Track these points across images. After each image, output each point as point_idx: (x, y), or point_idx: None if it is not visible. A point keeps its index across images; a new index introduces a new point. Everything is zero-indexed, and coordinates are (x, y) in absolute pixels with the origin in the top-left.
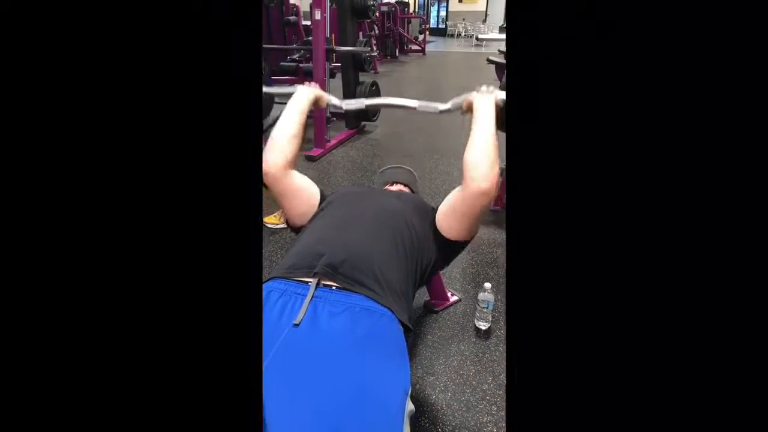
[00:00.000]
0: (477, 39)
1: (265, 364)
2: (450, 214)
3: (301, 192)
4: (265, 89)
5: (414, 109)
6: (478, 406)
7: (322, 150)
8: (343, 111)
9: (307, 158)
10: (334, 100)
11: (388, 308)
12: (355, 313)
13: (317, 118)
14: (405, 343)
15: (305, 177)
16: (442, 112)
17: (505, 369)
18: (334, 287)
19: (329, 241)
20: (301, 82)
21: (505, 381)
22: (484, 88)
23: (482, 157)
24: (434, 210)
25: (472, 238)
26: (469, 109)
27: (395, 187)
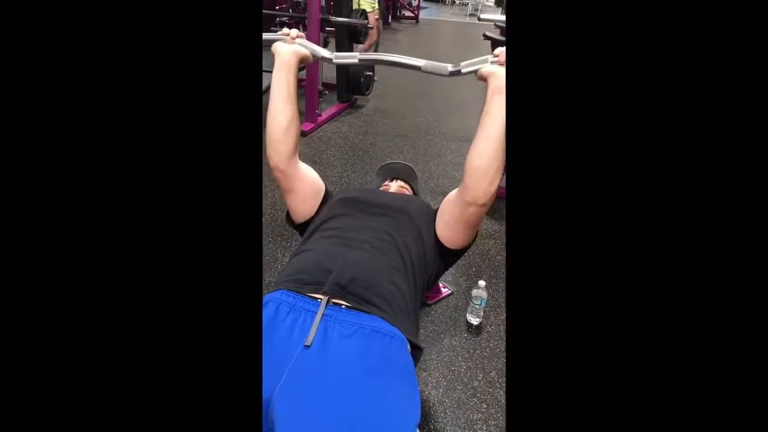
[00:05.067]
0: (479, 19)
1: (278, 386)
2: (451, 225)
3: (308, 185)
4: None
5: (419, 68)
6: (468, 403)
7: (313, 125)
8: (333, 62)
9: None
10: (324, 52)
11: (398, 327)
12: (365, 336)
13: (309, 90)
14: (414, 370)
15: (310, 168)
16: (452, 73)
17: (494, 366)
18: (343, 306)
19: (337, 257)
20: None
21: (494, 378)
22: (501, 50)
23: (488, 164)
24: (435, 212)
25: (473, 242)
26: (483, 78)
27: (395, 183)
